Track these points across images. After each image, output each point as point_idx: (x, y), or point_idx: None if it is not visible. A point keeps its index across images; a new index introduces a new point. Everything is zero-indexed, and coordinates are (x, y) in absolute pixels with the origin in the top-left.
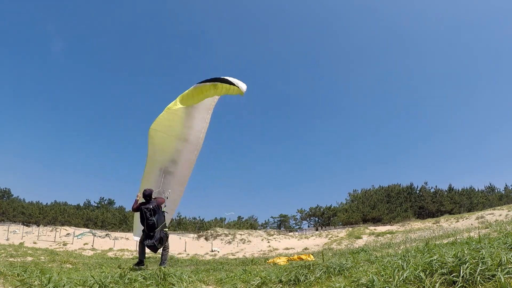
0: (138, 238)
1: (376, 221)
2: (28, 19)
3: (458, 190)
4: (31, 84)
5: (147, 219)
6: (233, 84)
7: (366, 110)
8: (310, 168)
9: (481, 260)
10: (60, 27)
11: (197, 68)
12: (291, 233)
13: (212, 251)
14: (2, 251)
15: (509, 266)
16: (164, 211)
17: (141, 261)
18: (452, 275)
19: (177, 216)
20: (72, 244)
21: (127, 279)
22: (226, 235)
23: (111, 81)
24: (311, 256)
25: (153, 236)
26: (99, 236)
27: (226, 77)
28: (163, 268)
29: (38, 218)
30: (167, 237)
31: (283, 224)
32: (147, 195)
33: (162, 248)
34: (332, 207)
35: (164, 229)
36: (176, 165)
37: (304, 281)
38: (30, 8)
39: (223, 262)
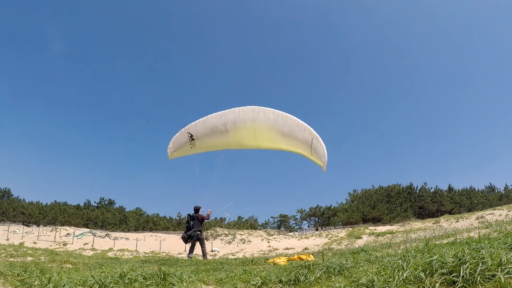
0: None
1: (376, 221)
2: (28, 21)
3: (458, 190)
4: (31, 85)
5: (188, 222)
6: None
7: (365, 109)
8: (310, 168)
9: (481, 260)
10: (60, 29)
11: (197, 68)
12: (291, 233)
13: (212, 251)
14: (2, 251)
15: (509, 266)
16: (202, 222)
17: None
18: (452, 275)
19: (177, 216)
20: (72, 244)
21: (127, 279)
22: (226, 235)
23: (111, 82)
24: (311, 256)
25: (186, 232)
26: (99, 236)
27: (323, 152)
28: (163, 268)
29: (38, 218)
30: (197, 238)
31: (283, 224)
32: (195, 209)
33: (198, 244)
34: (332, 207)
35: (197, 232)
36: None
37: (304, 281)
38: (30, 10)
39: (223, 262)
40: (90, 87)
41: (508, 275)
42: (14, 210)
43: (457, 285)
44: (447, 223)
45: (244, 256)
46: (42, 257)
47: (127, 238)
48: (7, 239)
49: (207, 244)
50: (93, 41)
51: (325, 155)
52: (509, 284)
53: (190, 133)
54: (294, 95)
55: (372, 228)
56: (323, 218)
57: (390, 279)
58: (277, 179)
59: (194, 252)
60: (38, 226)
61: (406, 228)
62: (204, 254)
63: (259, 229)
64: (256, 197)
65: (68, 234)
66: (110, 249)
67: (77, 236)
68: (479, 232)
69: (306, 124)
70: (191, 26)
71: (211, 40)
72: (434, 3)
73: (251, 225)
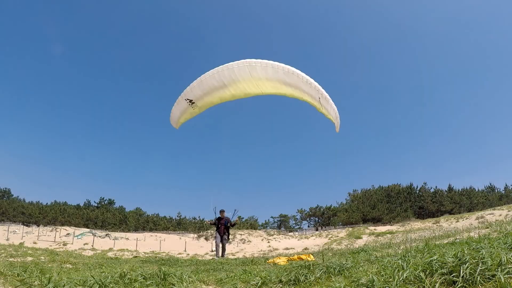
0: None
1: (376, 221)
2: (28, 22)
3: (458, 190)
4: (31, 86)
5: (218, 224)
6: (332, 115)
7: (366, 110)
8: (310, 168)
9: (481, 260)
10: (60, 30)
11: (197, 68)
12: (291, 233)
13: (212, 251)
14: (2, 251)
15: (509, 266)
16: (229, 225)
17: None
18: (452, 275)
19: (177, 216)
20: (72, 244)
21: (127, 279)
22: None
23: (111, 83)
24: (311, 256)
25: (219, 233)
26: (99, 236)
27: (335, 116)
28: (163, 268)
29: (38, 218)
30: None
31: (283, 224)
32: (220, 212)
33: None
34: (332, 207)
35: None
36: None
37: (304, 281)
38: (30, 11)
39: (223, 262)
40: (90, 88)
41: (508, 275)
42: (14, 210)
43: (457, 285)
44: (447, 223)
45: (244, 256)
46: (42, 257)
47: (127, 238)
48: (7, 239)
49: (207, 244)
50: (93, 42)
51: (337, 118)
52: (509, 284)
53: (188, 99)
54: None
55: (372, 228)
56: (323, 218)
57: (390, 279)
58: (277, 179)
59: (195, 252)
60: (38, 226)
61: (406, 228)
62: (223, 250)
63: (259, 229)
64: (256, 197)
65: (68, 234)
66: (110, 249)
67: (77, 236)
68: (479, 232)
69: (312, 80)
70: (192, 26)
71: (213, 40)
72: (436, 3)
73: (251, 225)
